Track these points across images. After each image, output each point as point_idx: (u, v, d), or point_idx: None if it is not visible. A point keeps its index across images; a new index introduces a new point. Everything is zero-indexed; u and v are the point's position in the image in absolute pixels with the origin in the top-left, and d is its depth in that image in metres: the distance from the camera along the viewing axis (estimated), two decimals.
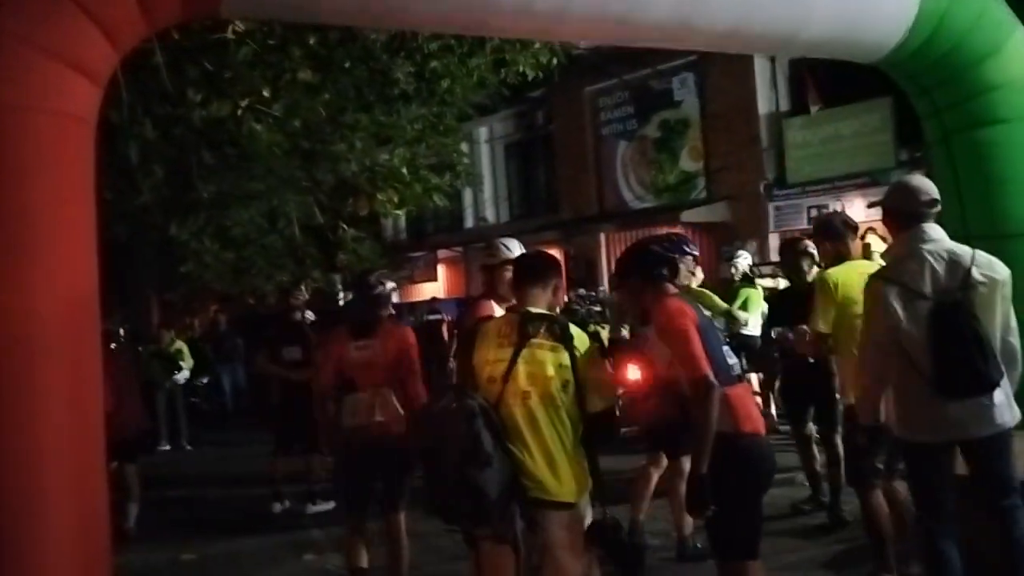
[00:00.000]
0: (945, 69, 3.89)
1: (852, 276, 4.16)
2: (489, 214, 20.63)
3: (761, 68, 15.64)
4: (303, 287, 8.28)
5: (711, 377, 2.92)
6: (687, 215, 16.10)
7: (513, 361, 2.92)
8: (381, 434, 4.29)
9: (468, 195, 19.98)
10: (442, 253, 21.36)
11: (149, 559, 5.82)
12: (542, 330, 2.97)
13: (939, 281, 3.31)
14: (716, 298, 7.78)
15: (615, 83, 17.43)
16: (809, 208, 15.22)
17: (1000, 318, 3.36)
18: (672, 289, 3.27)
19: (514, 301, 3.24)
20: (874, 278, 3.48)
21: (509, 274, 3.68)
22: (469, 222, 21.12)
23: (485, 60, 8.92)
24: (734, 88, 15.80)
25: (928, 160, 13.33)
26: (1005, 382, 3.32)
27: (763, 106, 15.69)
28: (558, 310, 3.33)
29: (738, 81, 15.70)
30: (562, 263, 4.57)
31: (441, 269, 21.88)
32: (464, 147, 11.32)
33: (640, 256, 3.38)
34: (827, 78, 15.14)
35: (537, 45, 7.59)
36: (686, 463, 4.92)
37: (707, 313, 3.39)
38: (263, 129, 6.43)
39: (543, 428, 2.90)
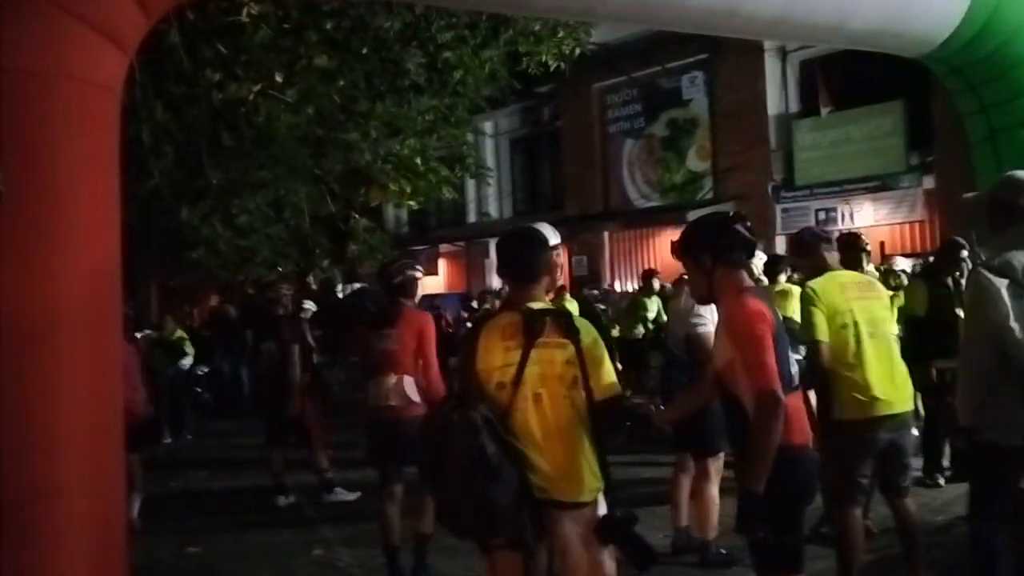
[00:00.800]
0: (993, 66, 3.79)
1: (831, 286, 4.03)
2: (492, 209, 20.51)
3: (771, 68, 15.55)
4: (311, 278, 8.13)
5: (780, 393, 2.78)
6: (693, 215, 15.99)
7: (522, 364, 2.79)
8: (393, 417, 4.61)
9: (472, 189, 19.86)
10: (444, 247, 21.24)
11: (153, 552, 5.68)
12: (548, 327, 2.84)
13: None
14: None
15: (624, 80, 17.32)
16: (817, 211, 15.13)
17: None
18: (748, 281, 3.06)
19: (507, 295, 3.10)
20: (981, 269, 3.30)
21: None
22: (472, 217, 21.00)
23: (498, 52, 8.80)
24: (744, 88, 15.70)
25: (938, 164, 13.33)
26: None
27: (773, 106, 15.60)
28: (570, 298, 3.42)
29: (748, 81, 15.61)
30: (565, 262, 4.55)
31: (442, 264, 21.76)
32: (470, 139, 11.17)
33: (718, 232, 3.04)
34: (838, 80, 15.06)
35: (560, 34, 7.47)
36: (712, 464, 4.84)
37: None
38: (280, 113, 6.29)
39: (557, 429, 2.81)
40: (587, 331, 2.89)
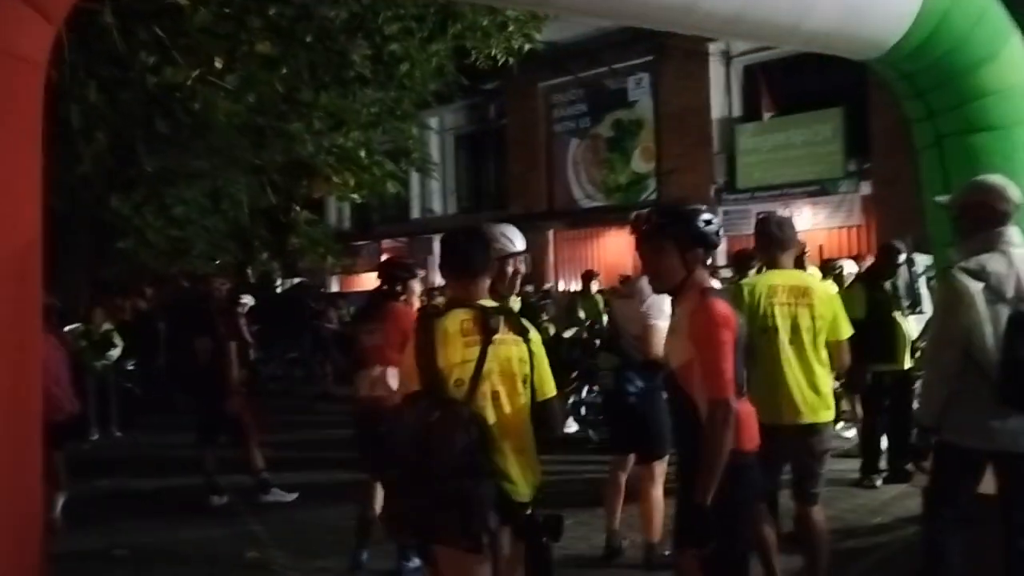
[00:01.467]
0: (942, 72, 3.81)
1: (761, 287, 3.95)
2: (436, 205, 20.34)
3: (716, 72, 15.74)
4: (249, 271, 7.91)
5: (734, 402, 2.73)
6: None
7: (481, 360, 2.76)
8: (377, 407, 4.61)
9: (416, 185, 19.67)
10: (387, 243, 21.00)
11: (78, 552, 5.42)
12: (503, 324, 2.82)
13: (1021, 286, 3.23)
14: None
15: (570, 80, 17.33)
16: (758, 213, 15.32)
17: None
18: (710, 280, 2.98)
19: (450, 292, 3.03)
20: (956, 273, 3.32)
21: (511, 269, 3.46)
22: (415, 212, 20.80)
23: (446, 46, 8.66)
24: (688, 91, 15.85)
25: (875, 171, 13.62)
26: None
27: (716, 110, 15.79)
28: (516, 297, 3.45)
29: (693, 84, 15.77)
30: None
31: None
32: (416, 135, 11.01)
33: (685, 222, 2.91)
34: (780, 86, 15.31)
35: (511, 28, 7.37)
36: (658, 467, 4.80)
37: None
38: (218, 101, 6.07)
39: (511, 426, 2.78)
40: (533, 330, 2.92)
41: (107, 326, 10.01)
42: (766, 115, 15.32)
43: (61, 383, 5.89)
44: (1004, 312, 3.20)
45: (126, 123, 6.02)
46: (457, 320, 2.81)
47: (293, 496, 6.69)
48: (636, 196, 16.83)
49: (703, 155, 15.77)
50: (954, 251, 3.44)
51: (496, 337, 2.78)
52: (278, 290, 18.81)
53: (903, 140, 13.86)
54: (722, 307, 2.81)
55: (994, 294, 3.23)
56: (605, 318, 10.23)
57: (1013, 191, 3.37)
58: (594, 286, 10.30)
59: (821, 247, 12.94)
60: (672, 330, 3.00)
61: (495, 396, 2.77)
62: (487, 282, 2.98)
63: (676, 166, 16.07)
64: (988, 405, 3.22)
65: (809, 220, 14.41)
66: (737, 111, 15.89)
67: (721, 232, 2.99)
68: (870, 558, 4.90)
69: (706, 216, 2.93)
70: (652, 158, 16.68)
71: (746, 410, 2.91)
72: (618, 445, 5.05)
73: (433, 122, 19.63)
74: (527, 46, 7.62)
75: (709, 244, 2.92)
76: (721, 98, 15.85)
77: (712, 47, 15.50)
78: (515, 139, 18.60)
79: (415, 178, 17.81)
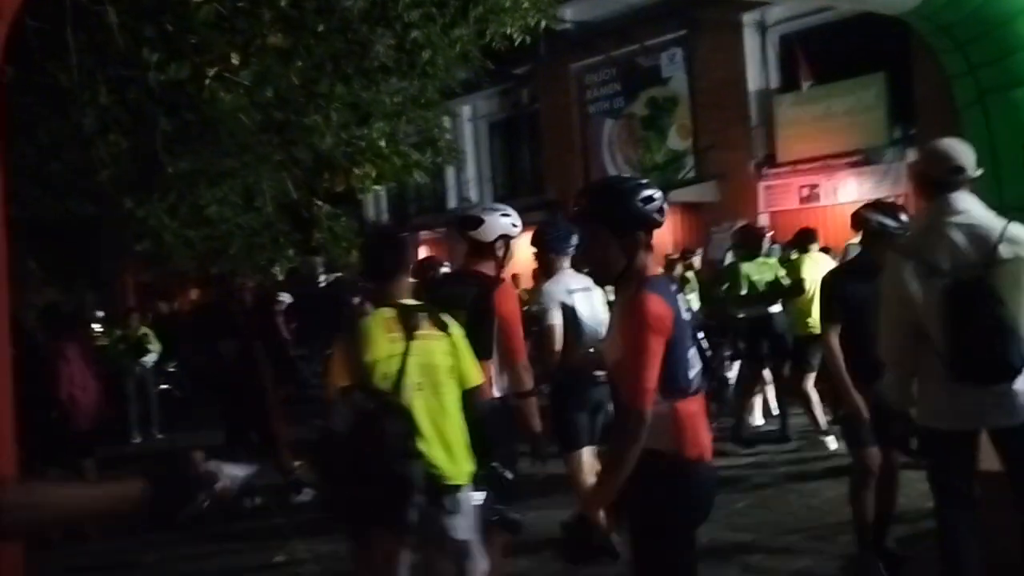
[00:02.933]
0: (981, 21, 3.52)
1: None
2: (472, 194, 20.20)
3: (751, 43, 15.29)
4: (276, 269, 7.84)
5: (646, 413, 2.41)
6: (675, 195, 15.73)
7: (405, 355, 3.04)
8: None
9: (451, 175, 19.55)
10: (424, 234, 20.92)
11: (106, 557, 5.41)
12: (423, 321, 3.12)
13: (961, 256, 3.01)
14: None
15: (602, 59, 17.01)
16: (800, 187, 14.92)
17: None
18: (652, 266, 2.61)
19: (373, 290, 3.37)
20: (891, 251, 3.25)
21: (500, 252, 3.76)
22: (452, 202, 20.69)
23: (468, 31, 8.48)
24: (723, 64, 15.42)
25: (921, 137, 13.13)
26: None
27: (753, 82, 15.33)
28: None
29: (727, 57, 15.34)
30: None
31: (423, 251, 21.45)
32: (447, 124, 10.85)
33: (619, 201, 2.55)
34: (818, 54, 14.81)
35: (525, 5, 7.15)
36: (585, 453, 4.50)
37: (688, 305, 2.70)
38: (230, 97, 5.96)
39: (437, 416, 3.08)
40: (455, 325, 3.20)
41: (144, 329, 10.08)
42: (805, 84, 14.82)
43: (88, 390, 5.90)
44: (942, 284, 3.01)
45: (139, 123, 5.95)
46: (381, 319, 3.11)
47: None
48: (674, 175, 16.47)
49: (741, 129, 15.35)
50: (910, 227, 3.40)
51: (418, 333, 3.07)
52: (321, 286, 18.93)
53: (950, 103, 13.38)
54: (656, 304, 2.45)
55: (928, 267, 3.04)
56: None
57: (958, 153, 3.14)
58: None
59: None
60: (611, 323, 2.70)
61: (419, 387, 3.05)
62: (404, 281, 3.24)
63: (714, 142, 15.67)
64: (944, 384, 3.07)
65: (854, 191, 13.92)
66: (775, 82, 15.42)
67: (665, 208, 2.60)
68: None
69: (646, 192, 2.56)
70: (689, 135, 16.29)
71: (689, 410, 2.55)
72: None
73: (465, 110, 19.48)
74: (543, 23, 7.38)
75: (651, 224, 2.57)
76: (757, 70, 15.39)
77: (746, 17, 15.06)
78: (548, 123, 18.34)
79: (450, 168, 17.68)
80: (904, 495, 5.36)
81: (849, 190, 14.01)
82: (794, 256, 7.67)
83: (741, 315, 7.29)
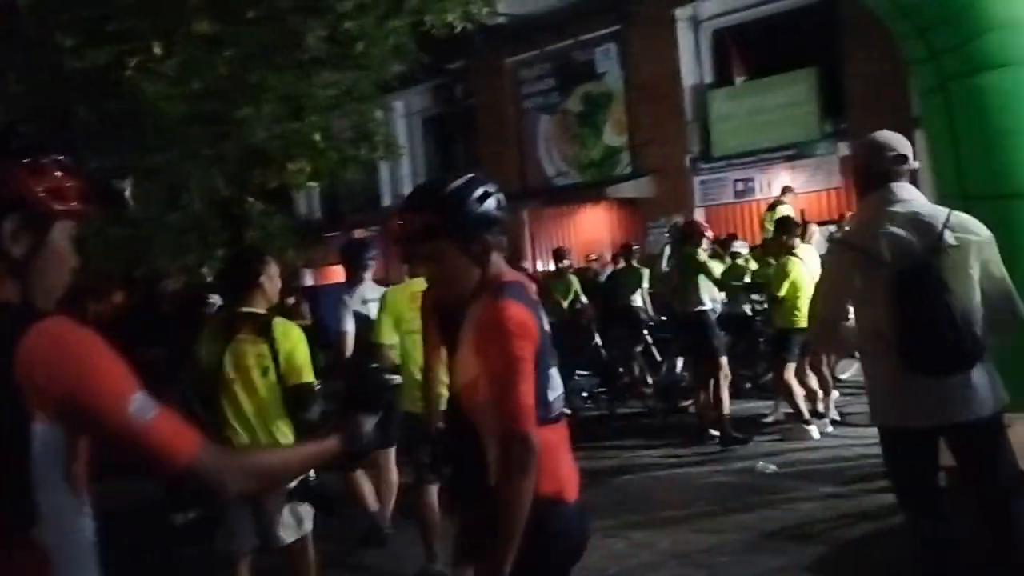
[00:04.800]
0: (943, 7, 3.46)
1: (401, 295, 4.41)
2: (408, 191, 19.87)
3: (685, 38, 15.34)
4: (205, 270, 7.49)
5: (531, 437, 2.02)
6: (612, 190, 15.74)
7: (221, 354, 3.55)
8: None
9: (385, 172, 19.20)
10: (359, 232, 20.50)
11: None
12: (246, 327, 3.57)
13: (904, 246, 2.93)
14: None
15: (536, 54, 16.90)
16: (735, 181, 15.05)
17: (985, 283, 2.94)
18: (507, 270, 2.23)
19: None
20: (829, 243, 3.15)
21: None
22: (387, 200, 20.33)
23: (403, 22, 8.25)
24: (657, 59, 15.45)
25: (852, 131, 13.35)
26: (988, 360, 2.91)
27: (687, 78, 15.40)
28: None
29: (661, 52, 15.37)
30: None
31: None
32: (379, 117, 10.56)
33: (455, 206, 2.15)
34: (751, 49, 14.96)
35: None
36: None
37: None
38: (154, 87, 5.64)
39: (247, 409, 3.54)
40: (284, 334, 3.58)
41: None
42: (738, 80, 14.98)
43: None
44: (886, 275, 2.92)
45: (54, 113, 5.57)
46: (216, 321, 3.83)
47: None
48: (610, 171, 16.46)
49: (676, 125, 15.40)
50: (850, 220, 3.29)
51: (237, 336, 3.55)
52: None
53: (880, 97, 13.65)
54: (517, 310, 2.09)
55: (870, 258, 2.97)
56: (584, 298, 9.95)
57: (898, 143, 3.07)
58: (566, 264, 9.92)
59: (803, 211, 12.64)
60: (463, 341, 2.23)
61: (232, 383, 3.53)
62: (254, 294, 3.61)
63: (649, 138, 15.70)
64: (897, 379, 2.96)
65: (787, 183, 14.10)
66: (709, 77, 15.52)
67: (503, 201, 2.21)
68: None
69: (479, 188, 2.17)
70: (624, 131, 16.28)
71: (550, 440, 2.11)
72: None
73: (399, 106, 19.14)
74: (485, 10, 7.22)
75: (495, 223, 2.19)
76: (692, 65, 15.46)
77: (679, 12, 15.12)
78: (484, 119, 18.14)
79: (384, 164, 17.33)
80: (870, 491, 5.36)
81: (782, 184, 14.16)
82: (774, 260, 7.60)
83: (702, 309, 7.19)
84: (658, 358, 8.56)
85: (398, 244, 2.61)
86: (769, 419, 7.48)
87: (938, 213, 2.98)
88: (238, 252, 4.08)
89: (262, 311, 3.63)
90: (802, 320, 6.79)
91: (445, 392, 3.71)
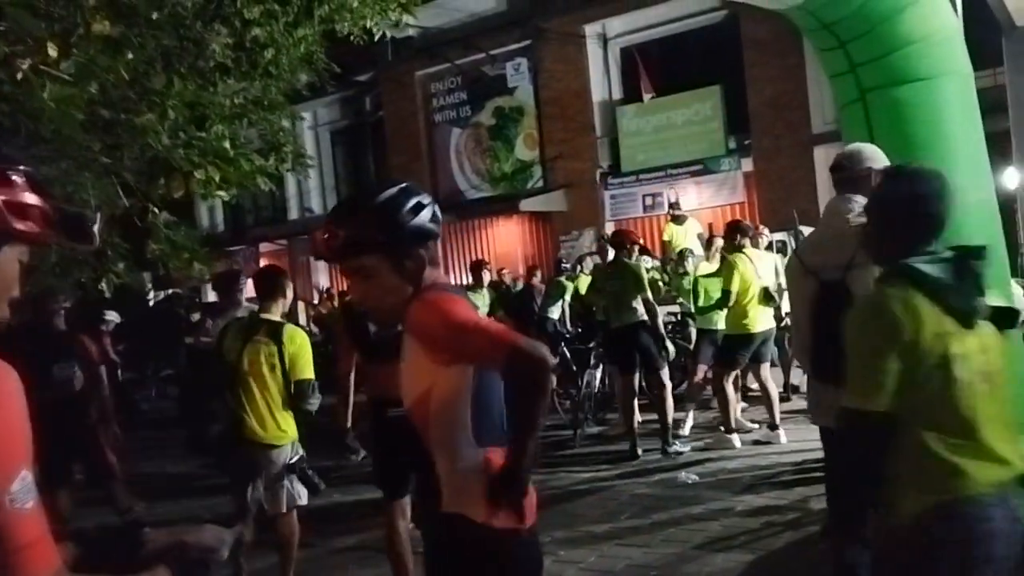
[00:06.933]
0: (862, 20, 3.54)
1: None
2: (315, 204, 19.46)
3: (594, 55, 15.56)
4: (103, 286, 7.06)
5: (534, 349, 1.87)
6: (524, 204, 15.77)
7: (241, 351, 4.32)
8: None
9: (292, 184, 18.75)
10: (264, 247, 19.96)
11: None
12: (262, 331, 4.33)
13: (830, 258, 3.03)
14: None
15: (447, 68, 16.83)
16: (644, 196, 15.30)
17: None
18: (442, 277, 2.11)
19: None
20: (789, 258, 3.46)
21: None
22: (293, 213, 19.86)
23: (313, 30, 8.03)
24: (568, 75, 15.62)
25: (755, 147, 13.76)
26: None
27: (597, 94, 15.62)
28: None
29: (571, 68, 15.54)
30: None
31: (264, 264, 20.46)
32: (287, 126, 10.26)
33: (386, 219, 2.00)
34: (658, 66, 15.28)
35: None
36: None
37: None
38: (50, 90, 5.27)
39: (257, 398, 4.29)
40: (291, 338, 4.31)
41: None
42: (646, 96, 15.28)
43: None
44: (813, 285, 3.09)
45: None
46: (239, 323, 4.60)
47: None
48: (522, 184, 16.52)
49: (586, 140, 15.59)
50: None
51: (255, 338, 4.32)
52: (150, 303, 17.60)
53: (782, 115, 14.09)
54: (450, 296, 2.00)
55: (804, 269, 3.15)
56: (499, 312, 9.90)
57: (845, 154, 3.20)
58: (485, 277, 9.84)
59: (710, 225, 12.94)
60: (404, 360, 2.07)
61: (246, 373, 4.28)
62: (276, 302, 4.40)
63: (560, 152, 15.83)
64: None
65: (694, 200, 14.44)
66: (617, 94, 15.79)
67: (438, 212, 2.08)
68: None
69: (412, 199, 2.03)
70: (536, 145, 16.38)
71: (500, 462, 1.97)
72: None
73: (307, 117, 18.75)
74: (405, 16, 7.08)
75: (430, 236, 2.05)
76: (601, 81, 15.70)
77: (588, 29, 15.33)
78: (394, 131, 17.94)
79: (291, 177, 16.91)
80: (789, 499, 5.44)
81: (690, 198, 14.50)
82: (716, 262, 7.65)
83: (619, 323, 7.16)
84: (574, 369, 8.52)
85: (323, 259, 2.35)
86: (684, 430, 7.54)
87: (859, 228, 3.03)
88: (265, 268, 5.08)
89: (277, 318, 4.39)
90: (751, 325, 6.89)
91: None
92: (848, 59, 3.63)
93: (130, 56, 6.25)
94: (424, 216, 2.02)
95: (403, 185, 2.06)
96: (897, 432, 2.08)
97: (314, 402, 4.33)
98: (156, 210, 6.79)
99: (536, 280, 11.09)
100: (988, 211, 3.80)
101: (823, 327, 3.00)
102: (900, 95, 3.55)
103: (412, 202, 2.02)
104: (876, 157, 3.21)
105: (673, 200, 12.95)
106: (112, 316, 10.98)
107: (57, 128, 5.49)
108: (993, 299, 2.30)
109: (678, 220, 11.97)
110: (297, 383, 4.27)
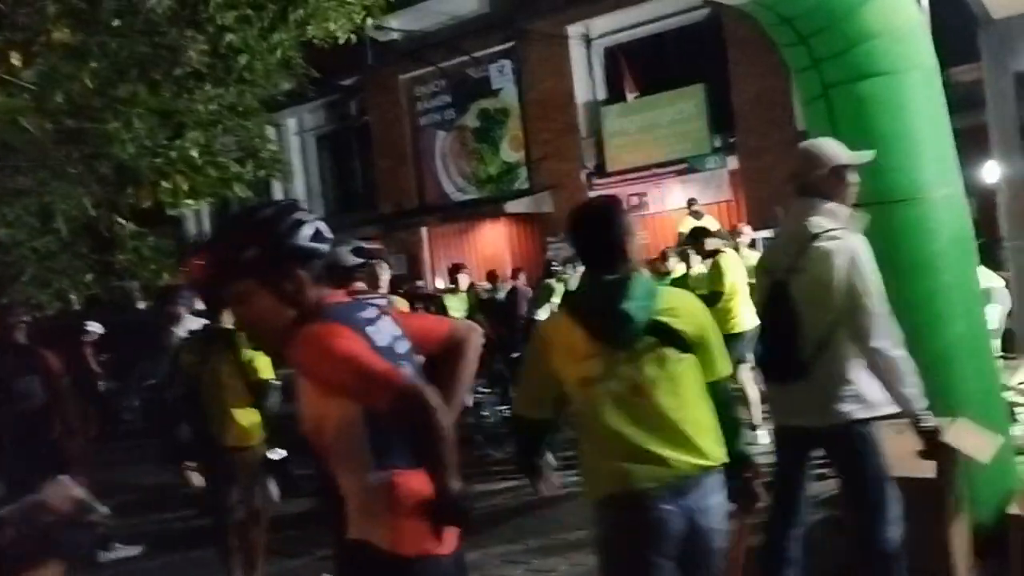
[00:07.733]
0: (823, 15, 3.47)
1: None
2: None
3: (577, 55, 15.50)
4: (73, 297, 6.98)
5: (413, 384, 1.85)
6: (510, 206, 15.70)
7: (200, 363, 4.57)
8: None
9: (279, 190, 18.66)
10: None
11: None
12: (218, 339, 4.50)
13: (784, 259, 3.15)
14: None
15: (431, 71, 16.76)
16: (629, 196, 15.21)
17: (851, 319, 2.96)
18: (334, 298, 1.99)
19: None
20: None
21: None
22: None
23: (289, 35, 7.96)
24: (552, 76, 15.56)
25: (740, 145, 13.71)
26: (840, 372, 3.01)
27: (581, 94, 15.55)
28: None
29: (555, 69, 15.48)
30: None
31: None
32: (271, 136, 10.19)
33: (265, 239, 1.91)
34: (642, 66, 15.22)
35: (352, 1, 6.77)
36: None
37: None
38: (13, 101, 5.21)
39: (221, 400, 4.47)
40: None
41: None
42: (630, 96, 15.20)
43: None
44: (766, 284, 3.23)
45: None
46: (198, 335, 4.85)
47: (138, 549, 5.87)
48: (508, 186, 16.45)
49: (571, 140, 15.52)
50: None
51: (212, 347, 4.52)
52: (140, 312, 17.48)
53: (766, 112, 14.01)
54: (323, 330, 1.87)
55: (764, 268, 3.29)
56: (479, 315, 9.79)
57: (798, 154, 3.27)
58: (463, 281, 9.76)
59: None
60: (298, 388, 2.00)
61: (209, 380, 4.53)
62: (221, 312, 4.48)
63: (545, 153, 15.77)
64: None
65: (680, 199, 14.35)
66: (601, 94, 15.73)
67: (323, 230, 1.97)
68: None
69: (291, 217, 1.93)
70: (521, 146, 16.31)
71: (412, 488, 1.87)
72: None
73: (291, 123, 18.67)
74: (371, 21, 7.01)
75: (312, 256, 1.94)
76: (585, 82, 15.63)
77: (571, 30, 15.27)
78: (379, 135, 17.87)
79: (278, 183, 16.83)
80: (764, 499, 5.36)
81: (675, 198, 14.44)
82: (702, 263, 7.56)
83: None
84: None
85: (199, 286, 2.36)
86: None
87: (807, 233, 3.06)
88: (207, 282, 5.09)
89: (230, 325, 4.40)
90: (737, 325, 6.81)
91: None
92: (810, 54, 3.57)
93: (94, 64, 6.20)
94: (304, 234, 1.92)
95: (283, 204, 2.00)
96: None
97: (274, 401, 4.47)
98: (123, 220, 6.73)
99: (521, 283, 11.00)
100: (955, 206, 3.74)
101: (763, 325, 3.28)
102: (863, 90, 3.49)
103: (291, 219, 1.92)
104: (835, 154, 3.16)
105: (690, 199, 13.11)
106: (94, 327, 10.88)
107: (23, 142, 5.43)
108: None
109: (696, 215, 12.06)
110: (256, 383, 4.43)
